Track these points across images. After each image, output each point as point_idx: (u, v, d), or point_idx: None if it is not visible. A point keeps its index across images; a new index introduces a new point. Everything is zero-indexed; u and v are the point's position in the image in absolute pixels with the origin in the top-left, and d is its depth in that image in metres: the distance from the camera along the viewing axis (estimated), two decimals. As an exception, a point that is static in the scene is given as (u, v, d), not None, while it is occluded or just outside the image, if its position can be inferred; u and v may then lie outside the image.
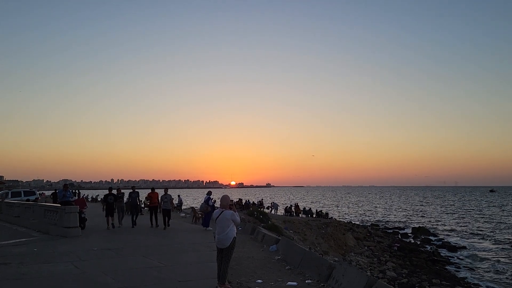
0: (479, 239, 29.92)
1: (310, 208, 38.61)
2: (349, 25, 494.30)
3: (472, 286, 16.59)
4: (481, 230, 34.70)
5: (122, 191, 15.44)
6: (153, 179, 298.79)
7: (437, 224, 40.66)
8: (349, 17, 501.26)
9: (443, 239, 30.50)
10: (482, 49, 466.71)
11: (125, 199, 15.98)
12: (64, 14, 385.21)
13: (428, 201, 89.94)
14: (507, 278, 18.17)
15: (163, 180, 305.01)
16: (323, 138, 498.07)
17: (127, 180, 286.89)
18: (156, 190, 15.10)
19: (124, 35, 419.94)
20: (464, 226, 38.64)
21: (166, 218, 13.49)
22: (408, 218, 49.29)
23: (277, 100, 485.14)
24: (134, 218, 14.13)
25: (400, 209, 65.06)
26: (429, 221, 43.79)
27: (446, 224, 40.97)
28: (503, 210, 59.44)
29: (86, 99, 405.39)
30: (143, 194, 19.00)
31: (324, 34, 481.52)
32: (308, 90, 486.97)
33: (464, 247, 26.55)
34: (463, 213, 54.84)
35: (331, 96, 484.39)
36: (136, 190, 15.42)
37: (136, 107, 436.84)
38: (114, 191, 15.16)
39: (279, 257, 8.96)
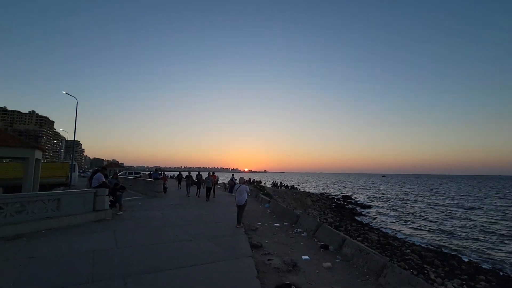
0: (379, 201, 46.67)
1: (287, 184, 58.95)
2: (349, 37, 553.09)
3: (373, 227, 24.66)
4: (382, 196, 55.28)
5: (191, 173, 20.68)
6: (203, 166, 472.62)
7: (356, 194, 62.35)
8: (345, 28, 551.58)
9: (358, 201, 46.73)
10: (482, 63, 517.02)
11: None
12: (72, 12, 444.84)
13: (346, 182, 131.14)
14: (392, 222, 28.46)
15: (208, 167, 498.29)
16: (298, 142, 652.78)
17: (189, 166, 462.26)
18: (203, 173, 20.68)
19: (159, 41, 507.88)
20: (371, 194, 60.24)
21: (208, 193, 16.70)
22: (341, 190, 74.37)
23: (276, 111, 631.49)
24: (199, 191, 18.75)
25: (338, 185, 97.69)
26: (351, 191, 68.52)
27: (361, 194, 62.79)
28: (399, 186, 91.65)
29: (162, 115, 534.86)
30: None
31: (326, 50, 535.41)
32: (293, 98, 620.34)
33: (370, 206, 40.48)
34: (370, 188, 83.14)
35: (314, 106, 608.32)
36: (200, 173, 19.62)
37: (202, 114, 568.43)
38: (186, 173, 22.51)
39: (270, 211, 13.59)
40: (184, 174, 25.20)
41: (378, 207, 40.40)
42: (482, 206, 40.19)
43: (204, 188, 18.36)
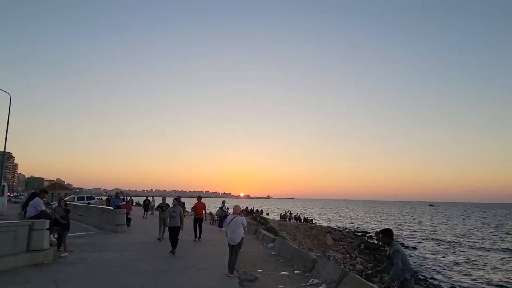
0: (426, 240, 47.61)
1: (299, 215, 57.61)
2: (350, 48, 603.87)
3: (420, 278, 24.93)
4: (429, 235, 54.80)
5: (166, 201, 16.72)
6: (182, 190, 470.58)
7: (395, 229, 59.38)
8: (347, 38, 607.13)
9: (398, 240, 44.07)
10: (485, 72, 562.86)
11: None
12: (74, 26, 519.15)
13: (389, 212, 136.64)
14: (443, 268, 29.44)
15: (189, 191, 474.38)
16: (310, 160, 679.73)
17: (162, 190, 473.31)
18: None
19: (140, 52, 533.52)
20: (416, 231, 60.32)
21: (173, 239, 12.73)
22: (375, 224, 75.66)
23: (278, 125, 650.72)
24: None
25: (370, 218, 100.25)
26: (390, 227, 59.76)
27: (402, 229, 63.15)
28: (448, 221, 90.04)
29: (131, 122, 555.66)
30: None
31: (328, 62, 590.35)
32: (300, 119, 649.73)
33: (414, 247, 40.50)
34: (415, 221, 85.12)
35: (323, 122, 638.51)
36: (181, 200, 15.88)
37: (171, 128, 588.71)
38: (159, 199, 20.30)
39: (275, 253, 13.63)
40: (157, 201, 23.66)
41: (425, 248, 40.58)
42: None
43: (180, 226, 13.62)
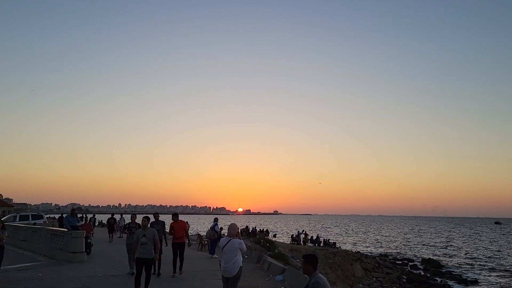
0: (491, 272, 41.12)
1: (318, 236, 51.24)
2: (357, 47, 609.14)
3: None
4: (493, 263, 48.20)
5: (136, 220, 14.27)
6: (160, 204, 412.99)
7: (448, 256, 55.39)
8: (355, 38, 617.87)
9: (454, 271, 41.14)
10: (501, 72, 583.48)
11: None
12: (67, 15, 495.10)
13: (438, 232, 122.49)
14: None
15: (170, 206, 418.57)
16: (329, 165, 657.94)
17: (134, 204, 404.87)
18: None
19: (134, 58, 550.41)
20: (476, 258, 52.60)
21: (145, 274, 10.11)
22: (418, 249, 66.79)
23: (285, 127, 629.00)
24: (158, 265, 12.59)
25: (409, 240, 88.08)
26: (440, 253, 59.85)
27: (457, 256, 55.73)
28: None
29: (93, 123, 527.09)
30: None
31: (332, 62, 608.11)
32: (315, 116, 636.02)
33: (476, 281, 35.80)
34: (473, 245, 75.33)
35: (338, 123, 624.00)
36: (160, 219, 14.16)
37: (144, 132, 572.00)
38: (127, 217, 19.21)
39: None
40: (126, 219, 22.30)
41: (489, 282, 35.44)
42: None
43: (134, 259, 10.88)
